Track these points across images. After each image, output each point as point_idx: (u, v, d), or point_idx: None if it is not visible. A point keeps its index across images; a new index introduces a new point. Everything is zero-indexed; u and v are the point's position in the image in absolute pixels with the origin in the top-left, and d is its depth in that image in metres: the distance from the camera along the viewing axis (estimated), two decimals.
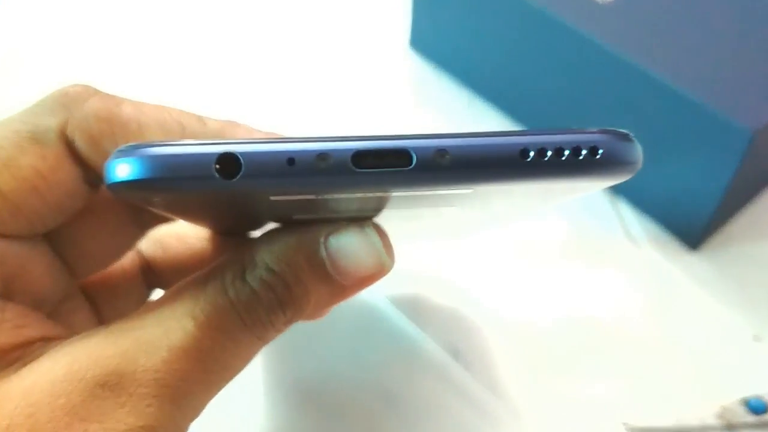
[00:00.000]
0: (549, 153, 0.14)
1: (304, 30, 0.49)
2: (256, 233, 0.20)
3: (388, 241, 0.19)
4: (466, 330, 0.32)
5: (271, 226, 0.19)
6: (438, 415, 0.29)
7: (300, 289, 0.18)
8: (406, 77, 0.46)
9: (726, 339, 0.32)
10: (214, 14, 0.50)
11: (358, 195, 0.15)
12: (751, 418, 0.29)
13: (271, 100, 0.43)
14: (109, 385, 0.16)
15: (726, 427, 0.29)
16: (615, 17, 0.36)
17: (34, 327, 0.18)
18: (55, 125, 0.18)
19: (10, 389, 0.17)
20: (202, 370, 0.17)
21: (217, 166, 0.14)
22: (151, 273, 0.24)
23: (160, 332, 0.17)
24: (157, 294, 0.24)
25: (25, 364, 0.17)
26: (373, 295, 0.32)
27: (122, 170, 0.14)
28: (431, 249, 0.34)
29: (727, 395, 0.30)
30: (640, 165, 0.15)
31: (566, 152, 0.14)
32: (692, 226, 0.35)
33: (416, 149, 0.14)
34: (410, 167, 0.14)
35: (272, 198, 0.15)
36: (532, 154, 0.14)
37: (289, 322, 0.18)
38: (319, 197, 0.15)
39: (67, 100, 0.18)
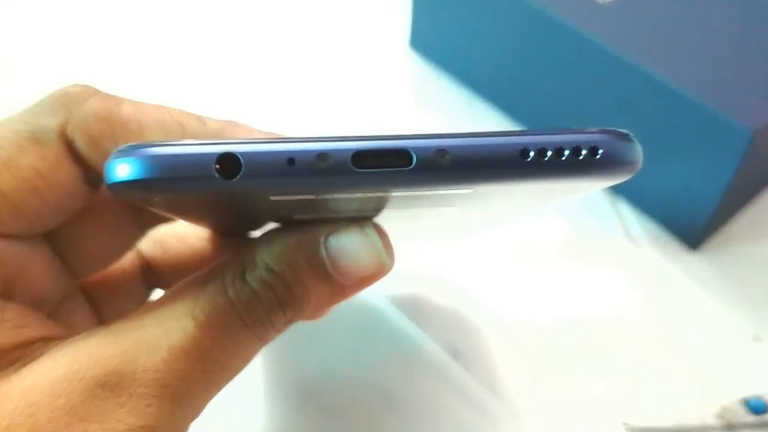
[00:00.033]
0: (549, 153, 0.14)
1: (304, 30, 0.49)
2: (256, 233, 0.20)
3: (388, 241, 0.19)
4: (466, 330, 0.32)
5: (271, 226, 0.19)
6: (438, 415, 0.29)
7: (300, 289, 0.18)
8: (406, 77, 0.46)
9: (726, 339, 0.32)
10: (213, 14, 0.50)
11: (358, 195, 0.15)
12: (751, 418, 0.29)
13: (271, 100, 0.43)
14: (109, 385, 0.16)
15: (726, 427, 0.29)
16: (615, 17, 0.36)
17: (34, 327, 0.18)
18: (55, 125, 0.18)
19: (10, 389, 0.17)
20: (202, 370, 0.17)
21: (217, 166, 0.14)
22: (151, 273, 0.24)
23: (160, 332, 0.17)
24: (157, 294, 0.25)
25: (25, 364, 0.17)
26: (373, 295, 0.32)
27: (122, 170, 0.14)
28: (431, 249, 0.34)
29: (727, 395, 0.30)
30: (640, 165, 0.15)
31: (566, 152, 0.14)
32: (692, 226, 0.35)
33: (416, 149, 0.14)
34: (410, 167, 0.14)
35: (272, 198, 0.15)
36: (532, 154, 0.14)
37: (289, 322, 0.18)
38: (319, 197, 0.15)
39: (67, 100, 0.18)
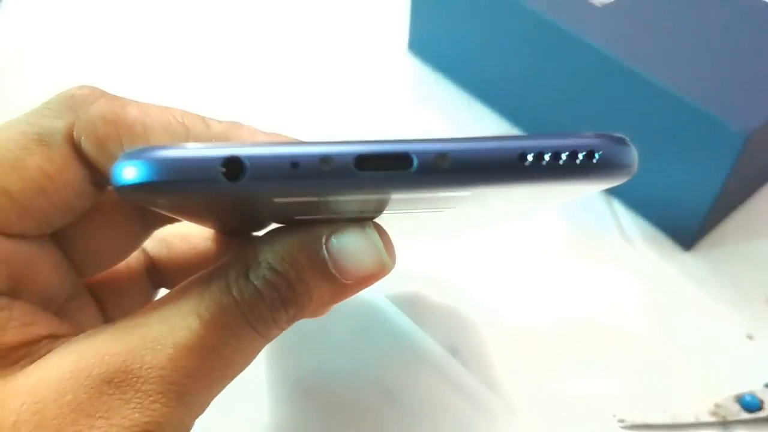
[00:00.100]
0: (547, 157, 0.14)
1: (304, 35, 0.49)
2: (259, 233, 0.21)
3: (389, 241, 0.20)
4: (464, 328, 0.32)
5: (274, 226, 0.20)
6: (436, 411, 0.29)
7: (302, 287, 0.18)
8: (404, 80, 0.46)
9: (720, 337, 0.33)
10: (216, 16, 0.50)
11: (360, 197, 0.15)
12: (745, 415, 0.29)
13: (273, 103, 0.43)
14: (115, 382, 0.16)
15: (720, 423, 0.29)
16: (611, 21, 0.36)
17: (41, 325, 0.18)
18: (62, 127, 0.18)
19: (17, 386, 0.17)
20: (206, 367, 0.17)
21: (223, 169, 0.14)
22: (156, 272, 0.24)
23: (165, 330, 0.17)
24: (162, 293, 0.25)
25: (32, 362, 0.17)
26: (373, 294, 0.32)
27: (129, 173, 0.14)
28: (430, 248, 0.35)
29: (721, 392, 0.30)
30: (635, 168, 0.15)
31: (563, 156, 0.14)
32: (686, 227, 0.36)
33: (417, 153, 0.14)
34: (412, 170, 0.14)
35: (276, 200, 0.15)
36: (530, 158, 0.14)
37: (291, 320, 0.19)
38: (322, 199, 0.16)
39: (74, 103, 0.18)
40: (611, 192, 0.39)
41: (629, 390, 0.30)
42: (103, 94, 0.19)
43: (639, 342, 0.32)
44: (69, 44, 0.47)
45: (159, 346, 0.17)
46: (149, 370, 0.17)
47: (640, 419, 0.29)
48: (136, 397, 0.16)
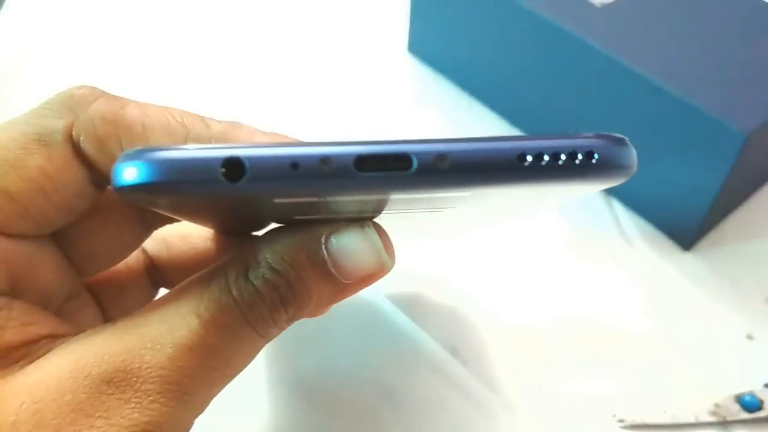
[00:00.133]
0: (546, 157, 0.14)
1: (304, 35, 0.49)
2: (259, 233, 0.21)
3: (389, 241, 0.20)
4: (464, 328, 0.32)
5: (274, 225, 0.20)
6: (436, 411, 0.29)
7: (302, 287, 0.18)
8: (404, 81, 0.46)
9: (719, 337, 0.33)
10: (216, 16, 0.50)
11: (360, 197, 0.15)
12: (744, 415, 0.29)
13: (272, 103, 0.44)
14: (115, 382, 0.16)
15: (720, 423, 0.29)
16: (611, 21, 0.36)
17: (41, 324, 0.18)
18: (62, 127, 0.18)
19: (16, 386, 0.17)
20: (206, 367, 0.17)
21: (223, 170, 0.14)
22: (156, 272, 0.24)
23: (165, 330, 0.17)
24: (162, 293, 0.25)
25: (31, 361, 0.17)
26: (373, 294, 0.32)
27: (130, 174, 0.14)
28: (430, 248, 0.35)
29: (721, 392, 0.30)
30: (635, 169, 0.15)
31: (563, 157, 0.14)
32: (686, 227, 0.36)
33: (417, 154, 0.14)
34: (411, 171, 0.14)
35: (275, 200, 0.15)
36: (529, 158, 0.14)
37: (291, 319, 0.19)
38: (322, 199, 0.16)
39: (73, 103, 0.18)
40: (611, 192, 0.39)
41: (629, 390, 0.30)
42: (102, 94, 0.19)
43: (639, 342, 0.32)
44: (69, 45, 0.47)
45: (158, 346, 0.17)
46: (149, 370, 0.17)
47: (640, 419, 0.29)
48: (136, 397, 0.16)
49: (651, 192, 0.36)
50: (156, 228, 0.23)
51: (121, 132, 0.18)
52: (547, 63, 0.38)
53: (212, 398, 0.18)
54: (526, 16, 0.37)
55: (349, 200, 0.16)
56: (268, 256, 0.18)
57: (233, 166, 0.14)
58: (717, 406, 0.30)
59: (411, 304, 0.32)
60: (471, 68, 0.43)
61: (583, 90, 0.37)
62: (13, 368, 0.17)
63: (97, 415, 0.16)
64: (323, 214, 0.18)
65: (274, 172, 0.14)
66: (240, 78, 0.45)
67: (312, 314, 0.20)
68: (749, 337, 0.33)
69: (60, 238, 0.20)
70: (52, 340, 0.18)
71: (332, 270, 0.18)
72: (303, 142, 0.15)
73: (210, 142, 0.19)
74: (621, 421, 0.29)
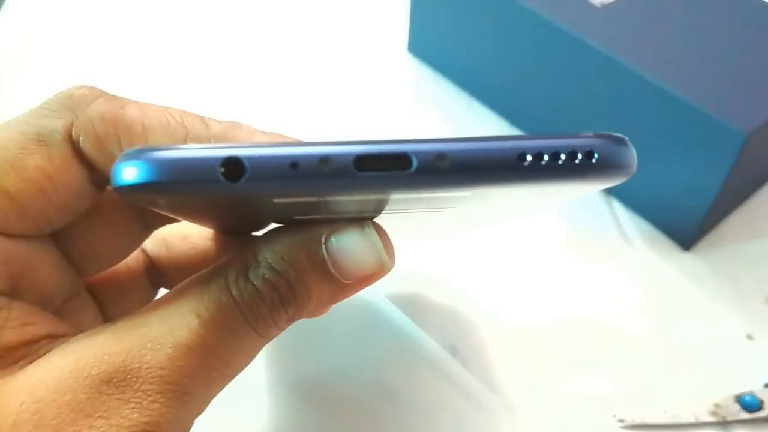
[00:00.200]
0: (546, 157, 0.14)
1: (304, 35, 0.49)
2: (259, 233, 0.21)
3: (389, 241, 0.20)
4: (464, 328, 0.32)
5: (274, 225, 0.20)
6: (436, 410, 0.29)
7: (302, 287, 0.18)
8: (404, 81, 0.46)
9: (719, 337, 0.33)
10: (216, 16, 0.50)
11: (360, 197, 0.15)
12: (744, 415, 0.29)
13: (272, 103, 0.44)
14: (115, 382, 0.16)
15: (720, 423, 0.29)
16: (611, 21, 0.36)
17: (40, 325, 0.18)
18: (61, 127, 0.18)
19: (16, 386, 0.17)
20: (206, 367, 0.17)
21: (222, 170, 0.14)
22: (156, 272, 0.24)
23: (165, 330, 0.17)
24: (162, 293, 0.25)
25: (31, 362, 0.17)
26: (373, 294, 0.32)
27: (129, 173, 0.14)
28: (430, 248, 0.35)
29: (721, 392, 0.30)
30: (634, 169, 0.15)
31: (562, 156, 0.14)
32: (686, 227, 0.36)
33: (417, 153, 0.14)
34: (411, 171, 0.14)
35: (275, 200, 0.15)
36: (529, 158, 0.14)
37: (291, 319, 0.19)
38: (321, 199, 0.16)
39: (73, 103, 0.18)
40: (611, 192, 0.39)
41: (629, 390, 0.30)
42: (102, 93, 0.19)
43: (639, 342, 0.32)
44: (69, 45, 0.47)
45: (158, 346, 0.17)
46: (148, 370, 0.17)
47: (640, 419, 0.29)
48: (135, 397, 0.16)
49: (651, 192, 0.36)
50: (156, 228, 0.23)
51: (120, 132, 0.18)
52: (547, 63, 0.38)
53: (212, 398, 0.18)
54: (526, 16, 0.37)
55: (349, 200, 0.16)
56: (267, 256, 0.18)
57: (233, 166, 0.14)
58: (717, 406, 0.30)
59: (411, 304, 0.32)
60: (471, 68, 0.43)
61: (583, 90, 0.37)
62: (13, 368, 0.17)
63: (97, 415, 0.16)
64: (323, 214, 0.18)
65: (273, 172, 0.14)
66: (240, 78, 0.45)
67: (312, 314, 0.20)
68: (749, 337, 0.33)
69: (60, 238, 0.20)
70: (52, 340, 0.18)
71: (332, 270, 0.18)
72: (303, 141, 0.15)
73: (210, 142, 0.19)
74: (621, 421, 0.29)
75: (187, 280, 0.19)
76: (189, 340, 0.17)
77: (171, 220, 0.22)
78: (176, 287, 0.18)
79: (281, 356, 0.30)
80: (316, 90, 0.45)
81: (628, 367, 0.31)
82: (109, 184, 0.19)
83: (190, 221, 0.21)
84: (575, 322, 0.33)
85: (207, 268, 0.19)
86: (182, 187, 0.14)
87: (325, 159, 0.14)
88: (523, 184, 0.15)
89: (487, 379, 0.30)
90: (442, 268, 0.35)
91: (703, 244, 0.37)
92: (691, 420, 0.29)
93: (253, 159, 0.14)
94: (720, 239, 0.37)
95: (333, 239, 0.18)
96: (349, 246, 0.18)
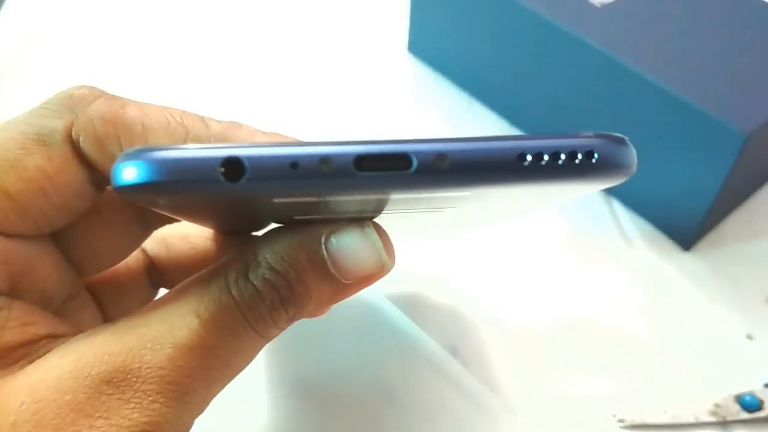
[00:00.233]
0: (546, 157, 0.14)
1: (304, 35, 0.49)
2: (259, 233, 0.21)
3: (389, 241, 0.20)
4: (464, 328, 0.32)
5: (274, 225, 0.20)
6: (436, 411, 0.29)
7: (302, 287, 0.18)
8: (404, 81, 0.46)
9: (719, 337, 0.33)
10: (216, 17, 0.50)
11: (360, 197, 0.15)
12: (744, 415, 0.29)
13: (272, 103, 0.44)
14: (115, 382, 0.16)
15: (720, 423, 0.29)
16: (611, 21, 0.36)
17: (40, 325, 0.18)
18: (61, 127, 0.18)
19: (16, 386, 0.17)
20: (206, 367, 0.17)
21: (223, 170, 0.14)
22: (156, 272, 0.24)
23: (165, 330, 0.17)
24: (162, 293, 0.25)
25: (31, 362, 0.17)
26: (373, 294, 0.32)
27: (129, 173, 0.14)
28: (430, 248, 0.35)
29: (721, 392, 0.30)
30: (634, 169, 0.15)
31: (562, 156, 0.14)
32: (686, 227, 0.36)
33: (417, 153, 0.14)
34: (411, 171, 0.14)
35: (275, 200, 0.15)
36: (529, 158, 0.14)
37: (291, 319, 0.19)
38: (321, 199, 0.16)
39: (73, 103, 0.18)
40: (611, 192, 0.39)
41: (629, 390, 0.30)
42: (102, 93, 0.19)
43: (639, 342, 0.32)
44: (69, 45, 0.47)
45: (158, 346, 0.17)
46: (148, 370, 0.17)
47: (640, 419, 0.29)
48: (135, 397, 0.16)
49: (651, 192, 0.36)
50: (156, 228, 0.23)
51: (120, 132, 0.18)
52: (547, 63, 0.38)
53: (212, 398, 0.18)
54: (526, 16, 0.37)
55: (349, 200, 0.16)
56: (267, 256, 0.18)
57: (233, 166, 0.14)
58: (717, 406, 0.30)
59: (411, 304, 0.32)
60: (471, 68, 0.43)
61: (583, 90, 0.37)
62: (12, 368, 0.17)
63: (97, 415, 0.16)
64: (323, 214, 0.18)
65: (273, 172, 0.14)
66: (240, 78, 0.45)
67: (312, 314, 0.20)
68: (749, 337, 0.33)
69: (60, 238, 0.20)
70: (52, 340, 0.18)
71: (332, 270, 0.18)
72: (302, 141, 0.15)
73: (209, 142, 0.19)
74: (621, 421, 0.29)
75: (187, 280, 0.19)
76: (189, 340, 0.17)
77: (171, 220, 0.22)
78: (176, 287, 0.18)
79: (281, 356, 0.30)
80: (316, 90, 0.45)
81: (628, 367, 0.31)
82: (109, 184, 0.19)
83: (190, 221, 0.21)
84: (575, 322, 0.33)
85: (207, 268, 0.19)
86: (182, 187, 0.14)
87: (325, 159, 0.14)
88: (523, 184, 0.15)
89: (487, 379, 0.30)
90: (442, 268, 0.35)
91: (703, 244, 0.37)
92: (691, 420, 0.29)
93: (253, 159, 0.14)
94: (720, 239, 0.37)
95: (333, 239, 0.18)
96: (349, 246, 0.18)
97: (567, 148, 0.14)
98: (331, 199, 0.16)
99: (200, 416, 0.18)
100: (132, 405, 0.16)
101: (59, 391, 0.16)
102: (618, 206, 0.38)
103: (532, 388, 0.30)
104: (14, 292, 0.18)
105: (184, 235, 0.25)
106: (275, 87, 0.45)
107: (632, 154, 0.15)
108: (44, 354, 0.18)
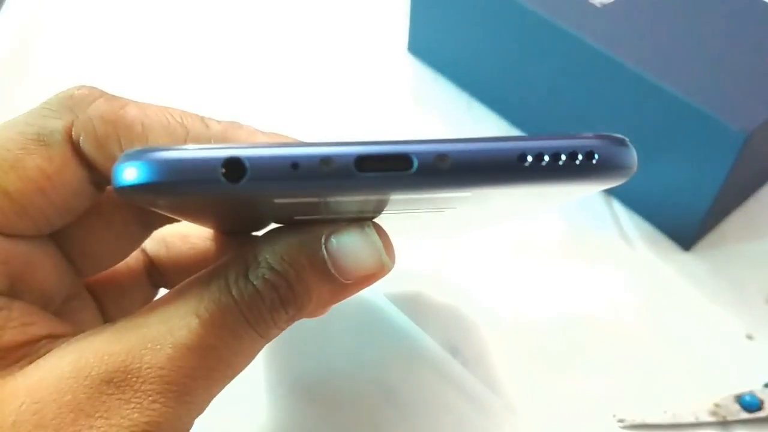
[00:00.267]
0: (546, 158, 0.14)
1: (304, 35, 0.49)
2: (259, 233, 0.21)
3: (389, 241, 0.20)
4: (465, 328, 0.33)
5: (274, 225, 0.20)
6: (437, 411, 0.29)
7: (302, 287, 0.18)
8: (404, 80, 0.46)
9: (719, 337, 0.33)
10: (216, 17, 0.50)
11: (360, 198, 0.16)
12: (744, 415, 0.29)
13: (272, 103, 0.44)
14: (115, 382, 0.16)
15: (720, 423, 0.29)
16: (611, 21, 0.36)
17: (40, 325, 0.18)
18: (61, 127, 0.18)
19: (16, 386, 0.17)
20: (206, 367, 0.17)
21: (223, 170, 0.14)
22: (156, 272, 0.24)
23: (164, 330, 0.17)
24: (162, 293, 0.25)
25: (31, 362, 0.17)
26: (373, 294, 0.32)
27: (130, 174, 0.14)
28: (430, 248, 0.35)
29: (721, 392, 0.30)
30: (635, 169, 0.15)
31: (563, 157, 0.14)
32: (686, 227, 0.36)
33: (417, 154, 0.14)
34: (412, 171, 0.14)
35: (276, 200, 0.15)
36: (529, 158, 0.14)
37: (291, 319, 0.19)
38: (322, 200, 0.16)
39: (72, 103, 0.18)
40: (611, 192, 0.39)
41: (629, 390, 0.30)
42: (102, 94, 0.19)
43: (639, 342, 0.32)
44: (69, 44, 0.47)
45: (158, 346, 0.17)
46: (148, 370, 0.17)
47: (640, 419, 0.29)
48: (136, 397, 0.16)
49: (651, 192, 0.36)
50: (156, 228, 0.23)
51: (120, 132, 0.18)
52: (547, 63, 0.38)
53: (212, 398, 0.18)
54: (526, 16, 0.37)
55: (350, 200, 0.16)
56: (268, 256, 0.18)
57: (233, 167, 0.14)
58: (717, 406, 0.30)
59: (411, 304, 0.32)
60: (471, 68, 0.43)
61: (583, 90, 0.37)
62: (12, 368, 0.17)
63: (97, 415, 0.16)
64: (323, 214, 0.18)
65: (274, 173, 0.14)
66: (240, 78, 0.45)
67: (312, 314, 0.20)
68: (749, 337, 0.33)
69: (59, 238, 0.20)
70: (52, 340, 0.18)
71: (332, 270, 0.18)
72: (303, 142, 0.15)
73: (210, 142, 0.19)
74: (621, 421, 0.29)
75: (187, 280, 0.19)
76: (189, 341, 0.17)
77: (171, 220, 0.22)
78: (176, 287, 0.18)
79: (281, 356, 0.30)
80: (316, 90, 0.45)
81: (628, 367, 0.31)
82: (109, 184, 0.19)
83: (190, 221, 0.21)
84: (575, 322, 0.33)
85: (207, 268, 0.19)
86: (183, 188, 0.14)
87: (325, 159, 0.14)
88: (523, 185, 0.15)
89: (487, 379, 0.30)
90: (442, 268, 0.35)
91: (703, 244, 0.37)
92: (691, 420, 0.29)
93: (253, 159, 0.14)
94: (720, 239, 0.37)
95: (333, 239, 0.18)
96: (349, 246, 0.18)
97: (567, 148, 0.14)
98: (331, 199, 0.16)
99: (200, 416, 0.18)
100: (132, 405, 0.16)
101: (59, 391, 0.16)
102: (618, 206, 0.38)
103: (533, 388, 0.30)
104: (14, 292, 0.18)
105: (184, 235, 0.25)
106: (275, 87, 0.45)
107: (632, 154, 0.15)
108: (44, 354, 0.18)
